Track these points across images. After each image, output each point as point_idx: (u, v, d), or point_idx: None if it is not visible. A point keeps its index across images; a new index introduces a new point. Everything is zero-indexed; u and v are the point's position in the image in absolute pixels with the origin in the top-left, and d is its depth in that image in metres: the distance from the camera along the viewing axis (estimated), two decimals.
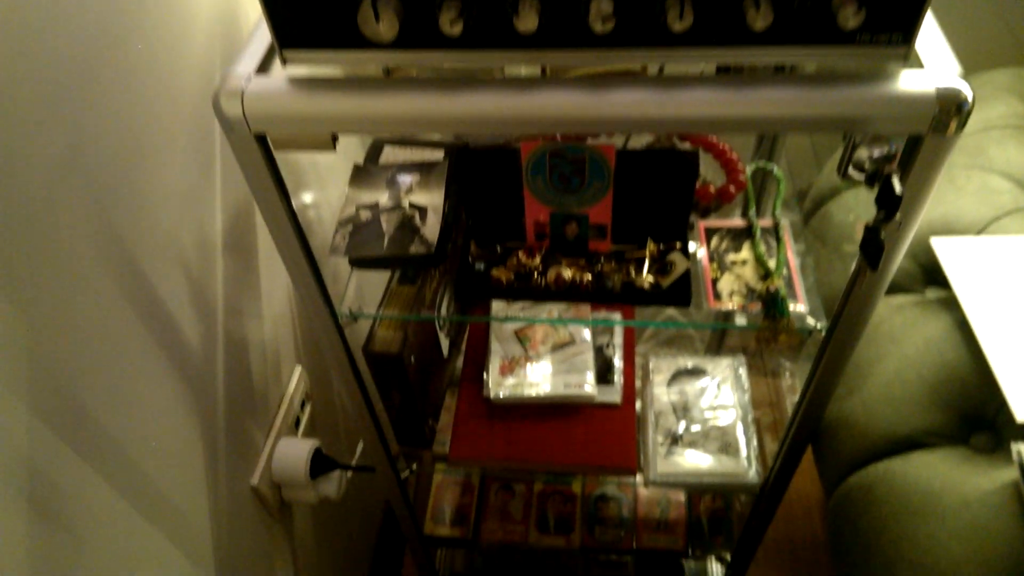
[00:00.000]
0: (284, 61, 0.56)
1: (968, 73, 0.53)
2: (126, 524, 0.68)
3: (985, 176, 1.01)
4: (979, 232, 0.96)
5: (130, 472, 0.68)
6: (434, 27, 0.52)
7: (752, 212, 0.87)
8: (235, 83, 0.56)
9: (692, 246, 0.84)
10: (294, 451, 0.95)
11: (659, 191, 0.78)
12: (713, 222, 0.87)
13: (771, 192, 0.92)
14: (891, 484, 0.81)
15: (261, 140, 0.58)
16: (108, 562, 0.65)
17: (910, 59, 0.53)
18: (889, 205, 0.56)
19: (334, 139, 0.58)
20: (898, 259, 0.62)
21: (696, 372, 1.17)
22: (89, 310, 0.61)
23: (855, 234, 0.60)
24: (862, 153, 0.58)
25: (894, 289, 0.95)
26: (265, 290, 0.94)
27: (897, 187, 0.54)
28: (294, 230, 0.66)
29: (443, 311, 1.01)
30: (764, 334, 0.78)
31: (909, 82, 0.52)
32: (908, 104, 0.52)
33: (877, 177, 0.57)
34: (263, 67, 0.58)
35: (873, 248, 0.57)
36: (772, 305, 0.78)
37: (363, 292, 0.90)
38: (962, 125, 0.53)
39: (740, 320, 0.82)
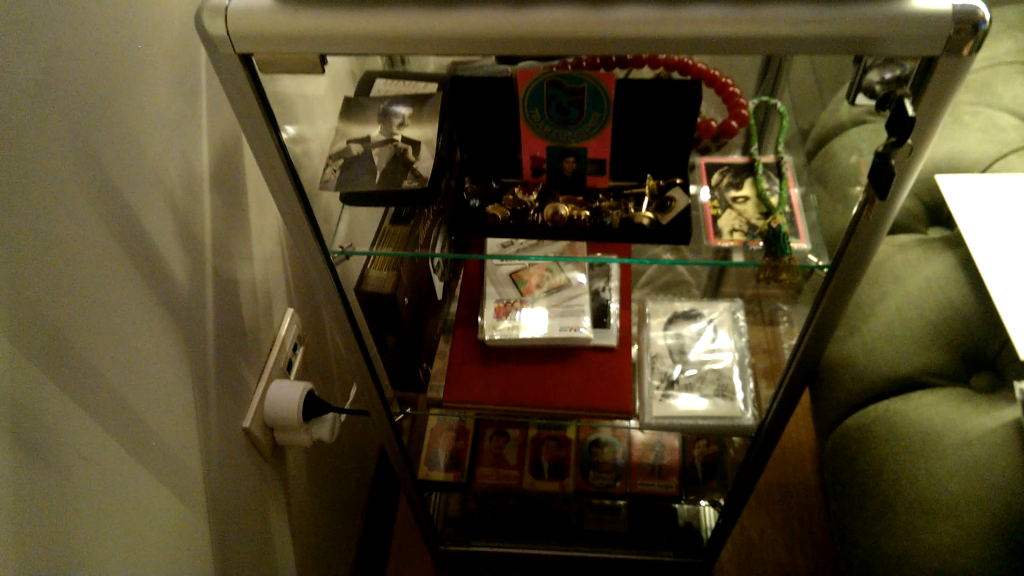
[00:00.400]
0: None
1: None
2: (114, 463, 0.66)
3: (991, 113, 0.99)
4: (985, 170, 0.94)
5: (118, 410, 0.66)
6: None
7: (755, 148, 0.84)
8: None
9: (693, 188, 0.82)
10: (286, 393, 0.94)
11: (660, 123, 0.76)
12: (714, 158, 0.85)
13: (773, 130, 0.90)
14: (891, 424, 0.80)
15: (247, 62, 0.56)
16: (96, 501, 0.64)
17: None
18: (901, 129, 0.54)
19: (322, 60, 0.56)
20: (907, 188, 0.61)
21: (693, 316, 1.16)
22: (71, 241, 0.59)
23: (860, 175, 0.58)
24: (872, 77, 0.56)
25: (897, 229, 0.94)
26: (255, 229, 0.92)
27: (910, 109, 0.52)
28: (283, 160, 0.64)
29: (437, 251, 0.99)
30: (765, 272, 0.77)
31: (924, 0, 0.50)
32: (923, 23, 0.50)
33: (888, 101, 0.55)
34: None
35: (883, 175, 0.55)
36: (774, 242, 0.76)
37: (355, 233, 0.87)
38: (978, 46, 0.51)
39: (740, 257, 0.80)
